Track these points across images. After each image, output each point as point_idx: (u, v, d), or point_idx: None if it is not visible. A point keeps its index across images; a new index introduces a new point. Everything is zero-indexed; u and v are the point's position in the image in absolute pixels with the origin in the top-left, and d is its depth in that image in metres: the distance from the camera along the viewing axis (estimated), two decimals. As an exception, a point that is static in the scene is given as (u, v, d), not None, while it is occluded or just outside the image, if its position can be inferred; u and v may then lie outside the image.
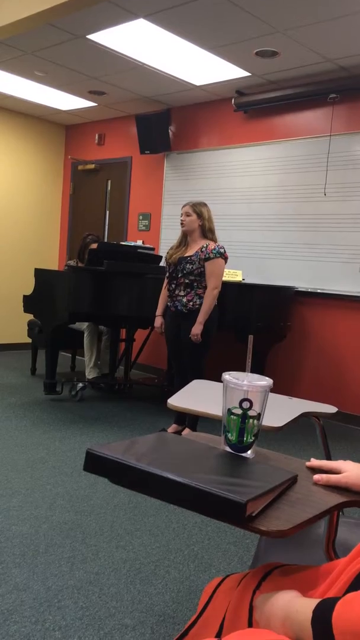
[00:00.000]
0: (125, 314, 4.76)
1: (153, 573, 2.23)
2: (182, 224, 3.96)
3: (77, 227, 7.09)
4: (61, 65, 5.04)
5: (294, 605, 0.85)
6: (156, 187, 6.24)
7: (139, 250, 5.20)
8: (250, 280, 5.08)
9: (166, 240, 6.00)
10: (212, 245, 3.88)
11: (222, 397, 1.12)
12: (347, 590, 0.86)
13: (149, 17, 3.91)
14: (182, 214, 3.97)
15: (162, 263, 4.97)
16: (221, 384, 1.13)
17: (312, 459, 1.14)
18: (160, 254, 5.62)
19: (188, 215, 3.94)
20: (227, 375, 1.12)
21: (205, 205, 4.00)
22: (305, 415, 1.87)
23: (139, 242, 6.02)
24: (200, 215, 3.93)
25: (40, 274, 4.88)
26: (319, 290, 4.93)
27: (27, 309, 4.96)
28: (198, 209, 3.94)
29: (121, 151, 6.60)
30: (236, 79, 4.99)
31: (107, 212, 6.86)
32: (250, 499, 0.88)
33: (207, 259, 3.84)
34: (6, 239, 6.86)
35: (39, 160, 7.09)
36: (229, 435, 1.12)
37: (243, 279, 4.92)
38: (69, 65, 5.03)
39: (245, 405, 1.08)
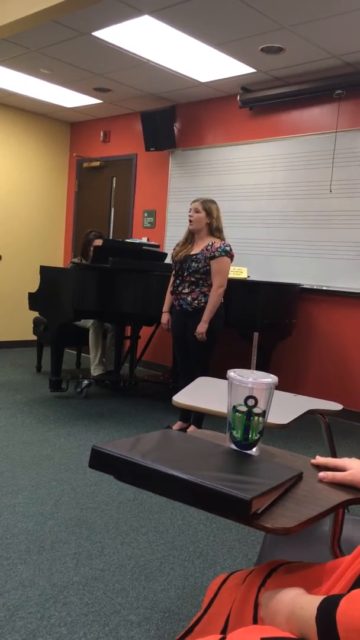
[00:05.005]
0: (130, 311, 4.76)
1: (158, 570, 2.24)
2: (190, 220, 3.95)
3: (82, 224, 7.09)
4: (66, 62, 5.04)
5: (298, 602, 0.85)
6: (161, 184, 6.24)
7: (144, 247, 5.20)
8: (255, 277, 5.07)
9: (171, 237, 6.00)
10: (217, 243, 3.86)
11: (227, 394, 1.12)
12: (352, 588, 0.86)
13: (154, 14, 3.90)
14: (190, 210, 3.94)
15: (168, 260, 4.97)
16: (226, 381, 1.13)
17: (317, 457, 1.13)
18: (165, 251, 5.62)
19: (197, 211, 3.89)
20: (232, 373, 1.11)
21: (214, 202, 3.96)
22: (310, 413, 1.87)
23: (144, 240, 6.01)
24: (209, 213, 3.90)
25: (45, 271, 4.89)
26: (324, 288, 4.92)
27: (32, 306, 4.97)
28: (207, 206, 3.90)
29: (126, 148, 6.60)
30: (241, 76, 4.98)
31: (112, 209, 6.86)
32: (256, 496, 0.88)
33: (213, 257, 3.82)
34: (11, 236, 6.87)
35: (44, 157, 7.10)
36: (234, 432, 1.12)
37: (248, 276, 4.92)
38: (74, 62, 5.03)
39: (251, 402, 1.08)
